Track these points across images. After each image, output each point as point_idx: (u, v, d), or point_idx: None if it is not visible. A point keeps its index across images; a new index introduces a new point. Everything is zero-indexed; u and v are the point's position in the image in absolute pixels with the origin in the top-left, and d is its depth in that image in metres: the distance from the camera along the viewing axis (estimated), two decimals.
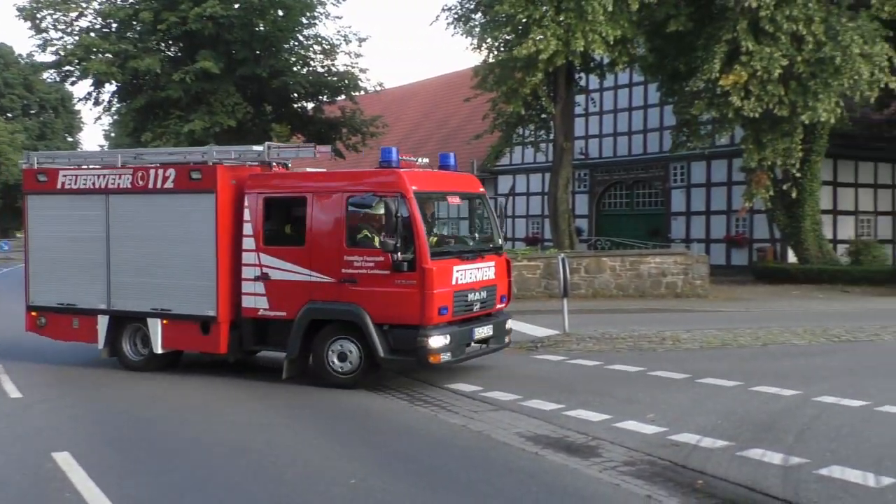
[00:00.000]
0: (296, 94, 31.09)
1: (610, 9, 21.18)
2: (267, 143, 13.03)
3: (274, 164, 12.74)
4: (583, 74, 28.07)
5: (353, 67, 31.47)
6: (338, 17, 44.36)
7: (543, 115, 26.77)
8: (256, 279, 12.06)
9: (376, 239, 11.26)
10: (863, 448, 7.96)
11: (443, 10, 26.40)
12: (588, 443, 8.50)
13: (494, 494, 7.06)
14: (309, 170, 13.17)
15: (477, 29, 24.17)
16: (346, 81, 30.95)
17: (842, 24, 21.14)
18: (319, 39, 31.04)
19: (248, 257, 12.14)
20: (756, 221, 30.12)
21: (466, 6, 25.59)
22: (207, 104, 28.94)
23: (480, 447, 8.47)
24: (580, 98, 29.73)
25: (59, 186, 13.43)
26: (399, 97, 49.39)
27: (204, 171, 12.32)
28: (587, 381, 11.48)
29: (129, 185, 12.88)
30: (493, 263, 12.27)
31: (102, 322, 13.16)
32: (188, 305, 12.46)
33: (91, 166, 13.46)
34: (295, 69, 30.47)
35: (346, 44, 32.31)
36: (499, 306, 12.44)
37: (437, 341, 11.12)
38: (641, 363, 12.44)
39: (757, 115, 21.67)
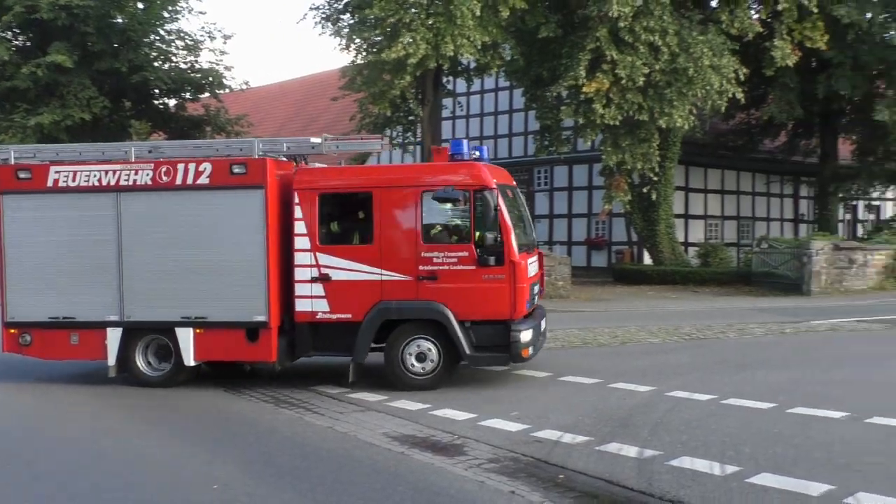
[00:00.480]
0: (157, 91, 30.12)
1: (478, 13, 21.55)
2: (324, 134, 11.92)
3: (301, 159, 12.00)
4: (450, 78, 28.42)
5: (217, 64, 30.79)
6: (201, 13, 43.06)
7: (411, 118, 26.94)
8: (314, 280, 11.28)
9: (455, 234, 11.08)
10: (710, 439, 8.42)
11: (310, 9, 26.17)
12: (454, 441, 8.63)
13: (360, 495, 7.08)
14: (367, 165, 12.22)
15: (345, 30, 24.09)
16: (211, 79, 30.22)
17: (693, 38, 22.28)
18: (182, 35, 30.19)
19: (302, 258, 11.30)
20: (615, 224, 31.31)
21: (335, 6, 25.46)
22: (60, 97, 27.64)
23: (346, 448, 8.47)
24: (447, 101, 30.09)
25: (49, 185, 11.69)
26: (267, 96, 48.60)
27: (250, 164, 11.21)
28: (452, 381, 11.64)
29: (149, 182, 11.46)
30: (536, 257, 12.12)
31: (114, 335, 11.60)
32: (231, 312, 11.28)
33: (91, 161, 11.77)
34: (156, 64, 29.52)
35: (211, 40, 31.59)
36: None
37: (526, 335, 10.94)
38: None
39: (617, 123, 22.53)
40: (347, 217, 11.74)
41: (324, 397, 10.97)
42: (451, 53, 21.76)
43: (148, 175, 11.49)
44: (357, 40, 23.75)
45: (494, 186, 10.93)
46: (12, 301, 11.86)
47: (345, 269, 11.29)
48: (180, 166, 11.39)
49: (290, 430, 9.26)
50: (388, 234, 11.17)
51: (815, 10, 23.60)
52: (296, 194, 11.35)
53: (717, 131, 31.14)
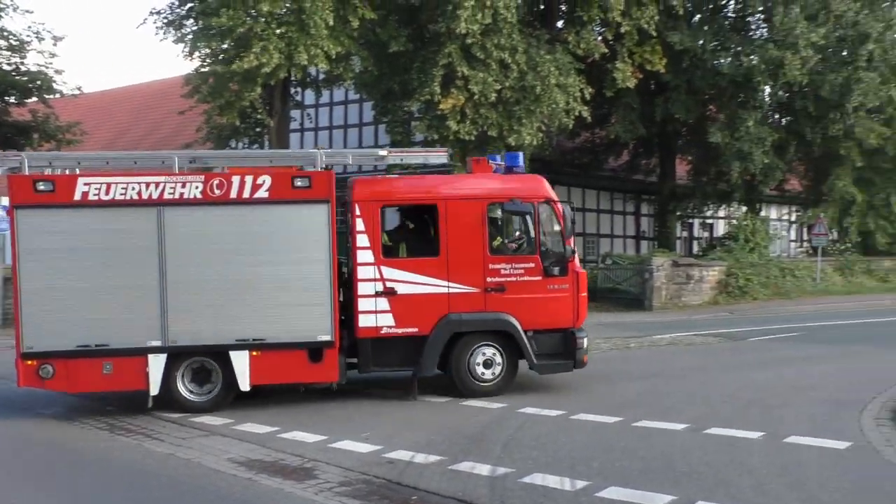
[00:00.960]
0: None
1: (331, 23, 21.36)
2: (387, 148, 11.40)
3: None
4: (299, 89, 28.05)
5: (46, 67, 29.15)
6: (28, 12, 40.67)
7: (258, 129, 26.38)
8: (378, 295, 11.27)
9: (521, 246, 11.63)
10: (560, 454, 8.58)
11: (151, 13, 25.22)
12: (304, 465, 8.42)
13: None
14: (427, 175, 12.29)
15: (189, 36, 23.33)
16: (39, 82, 28.59)
17: (541, 56, 22.93)
18: (6, 34, 28.44)
19: (365, 272, 11.28)
20: None
21: (177, 11, 24.63)
22: None
23: (190, 475, 8.10)
24: (296, 113, 29.68)
25: (77, 198, 10.68)
26: (102, 102, 46.49)
27: (315, 177, 10.92)
28: (300, 402, 11.39)
29: (199, 196, 10.81)
30: None
31: (156, 362, 10.77)
32: (293, 332, 10.87)
33: (124, 172, 11.00)
34: None
35: (39, 41, 29.81)
36: None
37: (586, 342, 11.70)
38: (355, 382, 12.54)
39: (472, 138, 22.85)
40: (411, 229, 11.83)
41: (164, 422, 10.49)
42: (305, 63, 21.47)
43: (198, 188, 10.87)
44: (202, 48, 23.06)
45: (557, 198, 11.63)
46: (29, 329, 10.66)
47: (411, 282, 11.40)
48: (235, 179, 10.91)
49: (127, 459, 8.78)
50: (455, 246, 11.44)
51: (655, 35, 24.80)
52: (357, 206, 11.33)
53: (564, 149, 32.13)
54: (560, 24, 26.15)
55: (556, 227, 11.59)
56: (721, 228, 37.34)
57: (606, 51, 24.66)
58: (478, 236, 11.46)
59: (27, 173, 10.84)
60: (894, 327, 19.86)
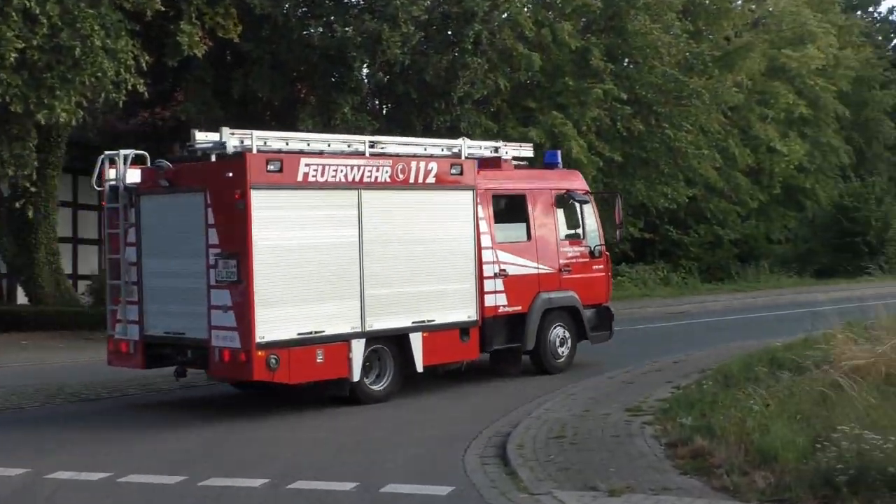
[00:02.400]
0: None
1: None
2: (503, 141, 17.63)
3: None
4: None
5: None
6: None
7: None
8: (496, 276, 15.61)
9: (576, 231, 17.14)
10: None
11: None
12: None
13: None
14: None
15: None
16: None
17: (81, 10, 21.96)
18: None
19: (486, 255, 15.48)
20: None
21: None
22: None
23: None
24: None
25: (299, 179, 13.30)
26: None
27: (464, 165, 15.12)
28: None
29: (388, 179, 14.07)
30: None
31: (357, 348, 13.74)
32: (451, 312, 14.84)
33: (334, 154, 14.01)
34: None
35: None
36: None
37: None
38: None
39: None
40: (510, 216, 16.42)
41: None
42: None
43: (387, 172, 14.11)
44: None
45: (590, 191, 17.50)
46: (263, 317, 12.80)
47: (515, 264, 16.08)
48: (413, 164, 14.48)
49: None
50: (540, 231, 16.65)
51: None
52: (478, 195, 15.47)
53: (116, 131, 31.13)
54: None
55: (594, 215, 17.47)
56: None
57: (164, 8, 24.26)
58: (552, 222, 16.86)
59: (254, 152, 13.19)
60: None
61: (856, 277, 37.62)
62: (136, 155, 14.64)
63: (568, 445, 10.69)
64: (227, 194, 13.01)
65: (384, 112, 31.27)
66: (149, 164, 14.59)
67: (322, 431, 12.60)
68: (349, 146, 14.38)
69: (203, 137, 13.95)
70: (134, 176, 14.32)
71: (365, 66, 28.29)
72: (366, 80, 29.28)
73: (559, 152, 18.24)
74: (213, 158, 13.91)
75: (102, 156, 14.69)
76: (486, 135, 29.97)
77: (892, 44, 63.85)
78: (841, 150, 45.93)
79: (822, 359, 12.97)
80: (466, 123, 28.75)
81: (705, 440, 9.93)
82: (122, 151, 14.59)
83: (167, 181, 13.79)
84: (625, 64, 35.60)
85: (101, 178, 14.52)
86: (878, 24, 62.08)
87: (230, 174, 13.03)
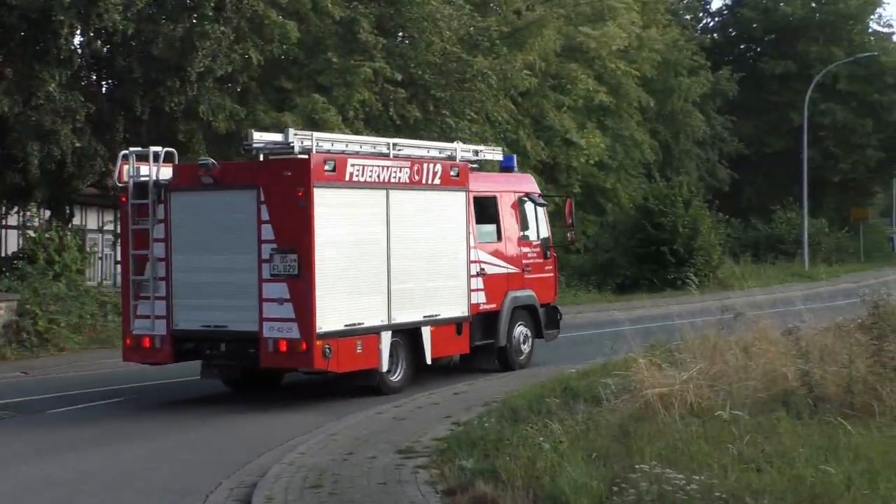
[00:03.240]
0: None
1: None
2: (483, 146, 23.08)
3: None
4: None
5: None
6: None
7: None
8: (477, 275, 19.64)
9: (531, 232, 21.46)
10: None
11: None
12: None
13: None
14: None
15: None
16: None
17: None
18: None
19: (471, 254, 19.48)
20: None
21: None
22: None
23: None
24: None
25: (346, 178, 17.05)
26: None
27: (461, 168, 19.41)
28: None
29: (407, 180, 18.17)
30: None
31: (385, 340, 17.57)
32: (451, 308, 18.91)
33: (368, 155, 18.10)
34: None
35: None
36: None
37: None
38: None
39: None
40: (484, 217, 20.29)
41: None
42: None
43: (406, 173, 18.09)
44: None
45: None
46: (321, 308, 16.43)
47: (491, 263, 20.14)
48: (426, 166, 18.52)
49: None
50: (508, 232, 20.68)
51: None
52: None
53: None
54: None
55: (545, 218, 22.09)
56: (14, 242, 37.16)
57: None
58: (516, 224, 21.05)
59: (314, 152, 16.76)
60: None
61: (661, 291, 39.20)
62: (167, 153, 17.72)
63: (327, 496, 10.67)
64: (287, 192, 16.37)
65: (103, 91, 30.44)
66: (175, 160, 18.08)
67: (20, 486, 12.13)
68: (374, 147, 18.44)
69: (260, 137, 17.23)
70: (163, 172, 17.48)
71: (77, 32, 27.43)
72: (78, 51, 28.39)
73: (515, 156, 23.29)
74: (261, 158, 17.15)
75: (124, 152, 17.93)
76: (232, 119, 29.70)
77: (702, 24, 67.22)
78: (645, 144, 47.75)
79: (623, 387, 13.45)
80: (206, 106, 28.35)
81: (489, 485, 10.09)
82: (153, 149, 17.60)
83: (212, 179, 16.88)
84: (399, 39, 35.91)
85: (121, 175, 17.70)
86: (685, 2, 65.22)
87: (290, 173, 16.46)
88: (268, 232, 16.39)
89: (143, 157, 17.73)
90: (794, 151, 56.79)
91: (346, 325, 16.83)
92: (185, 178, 17.48)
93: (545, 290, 21.71)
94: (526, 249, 21.22)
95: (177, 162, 18.21)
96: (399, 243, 17.80)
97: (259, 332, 16.43)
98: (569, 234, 23.83)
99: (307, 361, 16.40)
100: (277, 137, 17.37)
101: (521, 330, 20.84)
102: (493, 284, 20.12)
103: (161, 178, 17.45)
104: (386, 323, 17.53)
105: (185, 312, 17.22)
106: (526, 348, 21.05)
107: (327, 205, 16.55)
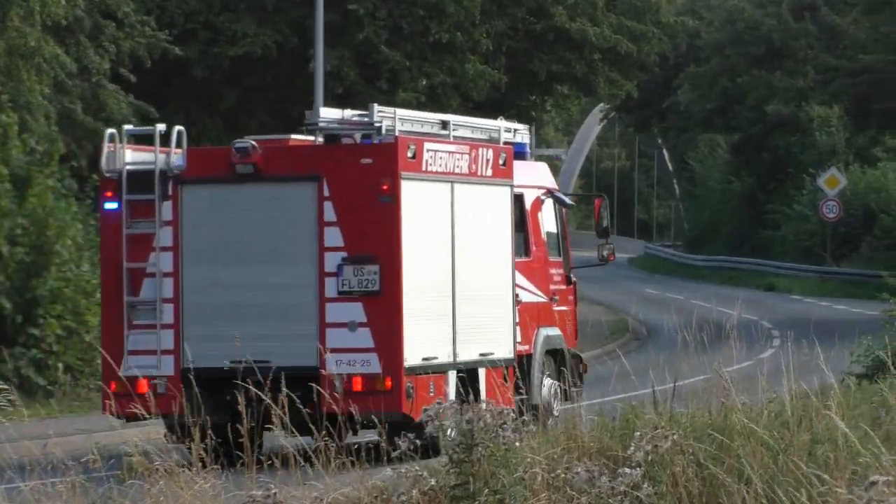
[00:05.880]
0: None
1: None
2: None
3: None
4: None
5: None
6: None
7: None
8: (516, 302, 15.55)
9: (556, 247, 15.76)
10: None
11: None
12: None
13: None
14: None
15: None
16: None
17: None
18: None
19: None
20: None
21: None
22: None
23: None
24: None
25: (423, 168, 14.04)
26: None
27: (508, 155, 15.08)
28: None
29: (467, 171, 14.62)
30: None
31: (451, 382, 14.13)
32: (501, 345, 14.75)
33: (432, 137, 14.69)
34: None
35: None
36: None
37: None
38: None
39: None
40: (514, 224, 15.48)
41: None
42: None
43: (466, 161, 14.39)
44: None
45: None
46: (409, 335, 13.67)
47: (523, 287, 15.32)
48: (481, 152, 14.44)
49: None
50: (535, 246, 15.37)
51: None
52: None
53: None
54: None
55: (564, 225, 16.92)
56: None
57: None
58: (542, 234, 16.71)
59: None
60: None
61: None
62: (178, 133, 14.07)
63: None
64: (363, 185, 13.47)
65: None
66: (185, 144, 14.13)
67: None
68: (422, 126, 14.90)
69: (329, 114, 14.39)
70: (176, 159, 13.88)
71: None
72: None
73: (529, 137, 17.21)
74: (321, 140, 14.14)
75: (110, 131, 14.28)
76: None
77: None
78: None
79: None
80: None
81: None
82: (159, 127, 14.23)
83: (253, 167, 13.55)
84: None
85: (111, 161, 13.86)
86: None
87: (370, 160, 13.52)
88: (334, 237, 13.50)
89: (140, 138, 14.67)
90: None
91: (423, 360, 13.89)
92: (208, 166, 14.30)
93: (570, 328, 16.56)
94: (553, 271, 16.39)
95: (184, 145, 14.50)
96: (462, 255, 14.40)
97: (320, 367, 13.30)
98: (604, 248, 17.41)
99: (392, 404, 13.13)
100: (348, 113, 14.39)
101: (550, 383, 15.91)
102: (525, 316, 15.55)
103: (167, 166, 13.94)
104: (451, 360, 14.27)
105: (203, 345, 13.68)
106: (557, 409, 15.62)
107: (411, 202, 13.73)
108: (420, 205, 13.88)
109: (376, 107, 14.06)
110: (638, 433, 8.36)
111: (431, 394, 13.68)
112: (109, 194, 14.37)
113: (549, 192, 16.65)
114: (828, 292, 55.39)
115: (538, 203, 16.30)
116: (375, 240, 13.48)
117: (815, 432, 8.47)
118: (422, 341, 13.77)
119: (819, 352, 10.19)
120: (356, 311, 13.38)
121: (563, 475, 8.07)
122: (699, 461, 8.30)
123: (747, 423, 8.50)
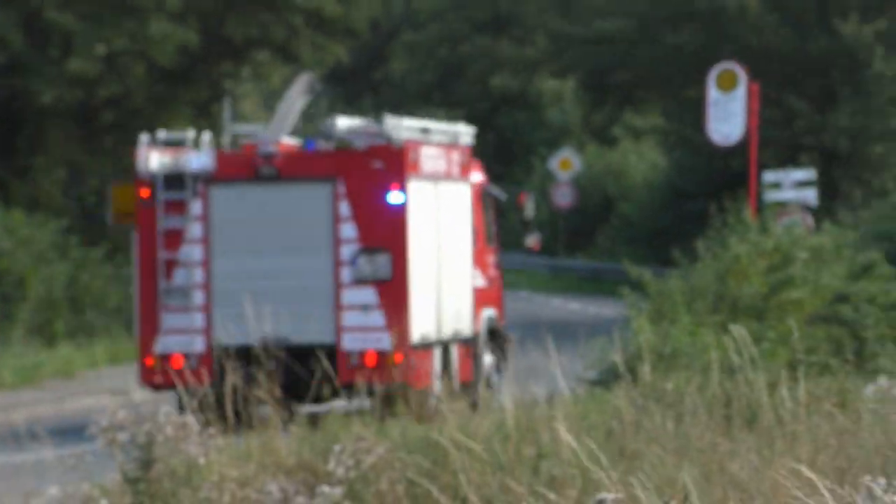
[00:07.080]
0: None
1: None
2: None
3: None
4: None
5: None
6: None
7: None
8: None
9: (490, 233, 18.70)
10: None
11: None
12: None
13: None
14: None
15: None
16: None
17: None
18: None
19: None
20: None
21: None
22: None
23: None
24: None
25: (420, 169, 16.42)
26: None
27: (468, 155, 17.69)
28: None
29: (445, 170, 17.12)
30: None
31: (437, 357, 16.38)
32: (466, 323, 17.16)
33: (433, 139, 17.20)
34: None
35: None
36: None
37: None
38: None
39: None
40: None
41: None
42: None
43: (443, 161, 17.24)
44: None
45: None
46: (415, 316, 15.97)
47: (473, 273, 18.21)
48: (452, 153, 17.23)
49: None
50: (478, 234, 18.00)
51: None
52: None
53: None
54: None
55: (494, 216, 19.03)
56: None
57: None
58: (482, 224, 18.76)
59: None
60: None
61: None
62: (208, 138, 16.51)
63: None
64: (375, 185, 15.87)
65: None
66: (227, 147, 16.99)
67: None
68: (411, 133, 16.99)
69: (347, 123, 16.61)
70: (205, 162, 16.32)
71: None
72: None
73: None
74: (337, 146, 16.31)
75: (147, 136, 16.39)
76: None
77: None
78: None
79: None
80: None
81: None
82: (191, 133, 16.55)
83: (275, 170, 15.92)
84: None
85: (146, 163, 16.16)
86: None
87: (381, 164, 15.85)
88: (349, 231, 15.90)
89: (171, 143, 16.74)
90: None
91: (421, 337, 16.28)
92: (235, 168, 16.52)
93: (501, 309, 19.29)
94: (489, 257, 19.01)
95: (213, 149, 17.02)
96: (443, 245, 16.86)
97: (336, 344, 15.73)
98: (530, 238, 20.68)
99: (398, 375, 15.03)
100: (360, 122, 16.96)
101: (491, 360, 18.42)
102: (476, 300, 18.09)
103: (198, 167, 16.22)
104: (437, 338, 16.69)
105: (231, 324, 15.48)
106: (498, 385, 17.37)
107: (413, 200, 16.18)
108: (419, 202, 16.30)
109: (390, 116, 16.58)
110: (338, 446, 8.24)
111: (425, 367, 16.17)
112: (146, 194, 16.48)
113: (485, 187, 19.00)
114: (560, 289, 52.67)
115: (478, 196, 18.56)
116: (386, 233, 15.84)
117: (541, 446, 8.35)
118: (421, 321, 16.16)
119: (554, 356, 10.20)
120: (369, 295, 15.79)
121: (253, 495, 7.87)
122: (410, 477, 8.15)
123: (459, 437, 8.29)
